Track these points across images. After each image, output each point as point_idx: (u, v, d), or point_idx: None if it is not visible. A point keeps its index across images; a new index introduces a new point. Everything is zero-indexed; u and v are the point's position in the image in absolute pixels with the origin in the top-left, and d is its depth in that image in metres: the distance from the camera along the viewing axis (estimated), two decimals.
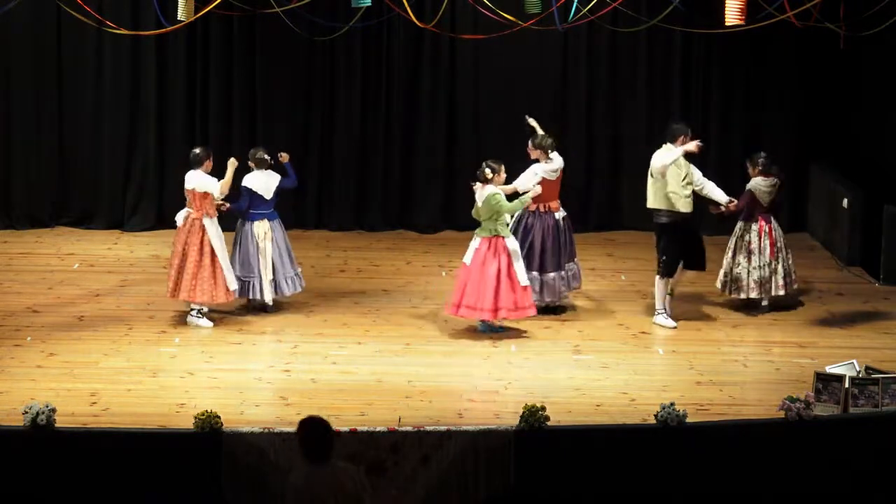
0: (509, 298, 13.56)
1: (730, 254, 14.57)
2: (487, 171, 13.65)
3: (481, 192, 13.66)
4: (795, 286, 14.74)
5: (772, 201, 14.50)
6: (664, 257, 14.14)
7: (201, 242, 13.74)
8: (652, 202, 14.13)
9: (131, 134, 17.59)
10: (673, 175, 13.97)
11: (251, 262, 14.10)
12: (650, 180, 14.11)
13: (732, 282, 14.53)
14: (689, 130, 14.14)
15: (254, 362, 13.00)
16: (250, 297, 14.16)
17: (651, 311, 14.45)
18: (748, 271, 14.39)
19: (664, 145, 14.09)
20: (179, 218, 13.92)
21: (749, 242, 14.43)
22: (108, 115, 17.52)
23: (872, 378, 11.52)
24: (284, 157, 14.42)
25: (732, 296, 14.59)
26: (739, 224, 14.56)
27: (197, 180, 13.80)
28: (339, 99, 17.69)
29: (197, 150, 13.93)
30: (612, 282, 15.72)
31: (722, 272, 14.64)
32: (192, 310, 13.87)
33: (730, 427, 11.26)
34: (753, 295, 14.42)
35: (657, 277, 14.18)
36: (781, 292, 14.46)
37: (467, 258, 13.68)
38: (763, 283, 14.40)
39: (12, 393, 12.02)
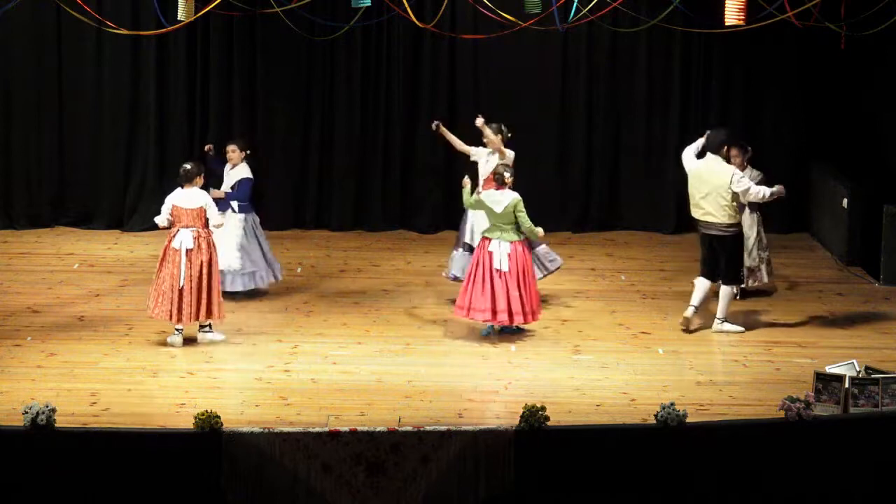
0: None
1: None
2: (507, 174, 13.60)
3: (498, 195, 13.50)
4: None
5: None
6: (738, 266, 13.88)
7: (210, 260, 13.29)
8: (720, 217, 13.61)
9: (131, 134, 17.59)
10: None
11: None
12: (719, 196, 13.55)
13: None
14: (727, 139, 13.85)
15: (254, 362, 12.99)
16: None
17: (651, 310, 14.47)
18: None
19: (709, 155, 13.62)
20: (186, 241, 13.26)
21: None
22: (108, 115, 17.52)
23: (872, 378, 11.51)
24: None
25: None
26: None
27: (207, 197, 13.40)
28: (339, 99, 17.68)
29: (189, 167, 13.40)
30: (612, 282, 15.71)
31: None
32: (202, 327, 13.47)
33: (730, 427, 11.26)
34: None
35: (725, 286, 13.77)
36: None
37: (503, 265, 13.38)
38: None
39: (12, 393, 12.02)
